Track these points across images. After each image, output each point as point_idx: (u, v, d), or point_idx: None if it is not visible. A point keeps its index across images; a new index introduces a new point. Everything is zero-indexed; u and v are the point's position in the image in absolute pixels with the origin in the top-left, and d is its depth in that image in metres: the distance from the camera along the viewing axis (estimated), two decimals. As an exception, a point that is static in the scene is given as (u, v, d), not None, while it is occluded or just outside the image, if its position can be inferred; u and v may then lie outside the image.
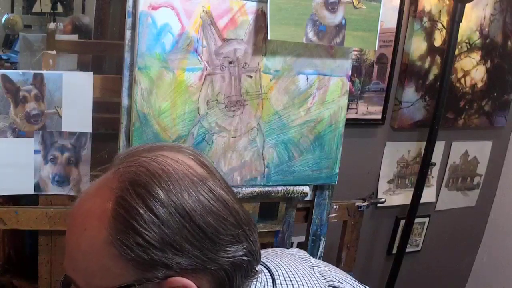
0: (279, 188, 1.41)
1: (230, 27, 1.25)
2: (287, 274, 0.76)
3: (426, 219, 2.15)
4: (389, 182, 2.01)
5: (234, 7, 1.24)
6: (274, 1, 1.23)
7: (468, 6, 1.80)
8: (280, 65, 1.32)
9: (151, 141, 1.22)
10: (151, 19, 1.17)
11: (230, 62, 1.27)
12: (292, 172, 1.41)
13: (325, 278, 0.80)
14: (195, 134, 1.28)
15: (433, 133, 1.88)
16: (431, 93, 1.92)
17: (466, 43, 1.93)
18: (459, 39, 1.84)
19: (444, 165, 2.12)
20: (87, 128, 1.28)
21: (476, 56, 1.98)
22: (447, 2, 1.83)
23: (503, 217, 2.31)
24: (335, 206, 1.61)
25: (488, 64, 2.02)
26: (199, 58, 1.24)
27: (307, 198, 1.49)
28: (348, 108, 1.51)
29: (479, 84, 2.03)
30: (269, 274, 0.75)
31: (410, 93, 1.89)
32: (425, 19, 1.82)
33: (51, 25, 1.43)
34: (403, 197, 2.04)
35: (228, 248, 0.64)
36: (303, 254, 0.87)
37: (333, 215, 1.61)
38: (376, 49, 1.56)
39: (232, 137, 1.33)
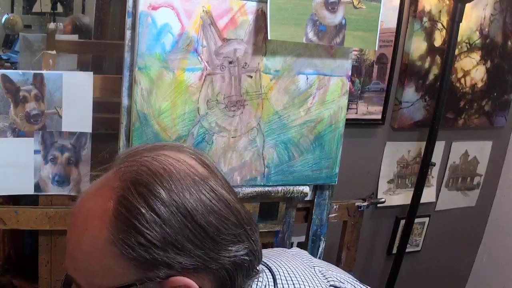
0: (279, 188, 1.41)
1: (230, 27, 1.25)
2: (288, 273, 0.76)
3: (426, 219, 2.15)
4: (389, 182, 2.01)
5: (234, 7, 1.24)
6: (274, 1, 1.23)
7: (468, 6, 1.80)
8: (280, 65, 1.32)
9: (151, 141, 1.22)
10: (151, 19, 1.17)
11: (230, 62, 1.27)
12: (292, 172, 1.41)
13: (326, 278, 0.80)
14: (195, 134, 1.28)
15: (433, 133, 1.88)
16: (431, 93, 1.92)
17: (466, 43, 1.93)
18: (459, 39, 1.84)
19: (444, 165, 2.12)
20: (87, 128, 1.28)
21: (476, 56, 1.98)
22: (447, 2, 1.83)
23: (503, 217, 2.31)
24: (335, 206, 1.61)
25: (488, 64, 2.02)
26: (199, 58, 1.24)
27: (307, 198, 1.49)
28: (348, 108, 1.51)
29: (479, 84, 2.03)
30: (270, 273, 0.75)
31: (410, 93, 1.89)
32: (425, 19, 1.82)
33: (51, 25, 1.43)
34: (403, 197, 2.04)
35: (229, 248, 0.64)
36: (304, 254, 0.87)
37: (333, 215, 1.61)
38: (376, 49, 1.56)
39: (232, 137, 1.33)
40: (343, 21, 1.32)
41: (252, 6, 1.26)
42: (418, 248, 2.20)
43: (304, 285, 0.75)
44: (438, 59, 1.89)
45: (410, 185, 2.04)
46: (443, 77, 1.84)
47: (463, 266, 2.40)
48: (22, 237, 1.47)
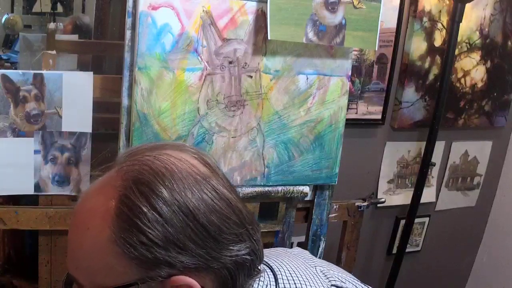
0: (279, 188, 1.41)
1: (230, 27, 1.25)
2: (290, 273, 0.76)
3: (426, 219, 2.15)
4: (389, 182, 2.01)
5: (234, 7, 1.24)
6: (274, 1, 1.23)
7: (468, 6, 1.80)
8: (280, 65, 1.32)
9: (151, 141, 1.22)
10: (151, 19, 1.17)
11: (230, 62, 1.27)
12: (292, 172, 1.41)
13: (328, 278, 0.80)
14: (195, 134, 1.28)
15: (433, 133, 1.88)
16: (431, 93, 1.92)
17: (466, 43, 1.93)
18: (459, 39, 1.84)
19: (444, 165, 2.12)
20: (87, 128, 1.28)
21: (476, 56, 1.98)
22: (447, 2, 1.83)
23: (503, 217, 2.30)
24: (335, 206, 1.61)
25: (488, 64, 2.02)
26: (199, 58, 1.24)
27: (307, 198, 1.49)
28: (348, 108, 1.51)
29: (479, 84, 2.03)
30: (271, 273, 0.75)
31: (410, 93, 1.89)
32: (425, 19, 1.82)
33: (51, 25, 1.43)
34: (403, 197, 2.04)
35: (231, 247, 0.64)
36: (306, 253, 0.87)
37: (333, 215, 1.61)
38: (376, 49, 1.56)
39: (232, 137, 1.33)
40: (343, 21, 1.32)
41: (252, 6, 1.26)
42: (418, 248, 2.20)
43: (306, 284, 0.75)
44: (438, 59, 1.89)
45: (410, 185, 2.04)
46: (443, 77, 1.84)
47: (463, 266, 2.40)
48: (22, 237, 1.48)
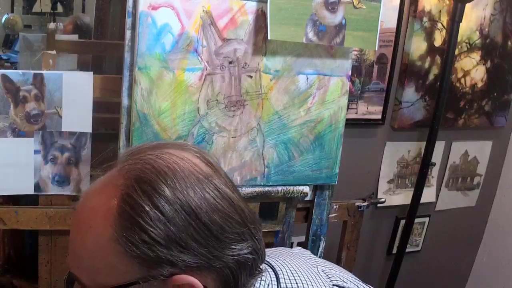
0: (279, 188, 1.41)
1: (230, 27, 1.25)
2: (291, 273, 0.76)
3: (426, 219, 2.15)
4: (389, 182, 2.01)
5: (234, 7, 1.24)
6: (274, 1, 1.23)
7: (468, 6, 1.80)
8: (280, 65, 1.32)
9: (151, 141, 1.22)
10: (151, 19, 1.17)
11: (230, 62, 1.27)
12: (292, 172, 1.41)
13: (329, 278, 0.80)
14: (195, 134, 1.28)
15: (433, 133, 1.88)
16: (431, 93, 1.92)
17: (466, 43, 1.93)
18: (459, 39, 1.84)
19: (444, 165, 2.12)
20: (87, 128, 1.28)
21: (476, 56, 1.98)
22: (447, 2, 1.83)
23: (503, 217, 2.30)
24: (335, 206, 1.61)
25: (488, 64, 2.02)
26: (199, 58, 1.24)
27: (307, 198, 1.49)
28: (348, 108, 1.51)
29: (479, 84, 2.03)
30: (273, 273, 0.75)
31: (410, 93, 1.89)
32: (425, 19, 1.82)
33: (51, 25, 1.43)
34: (403, 197, 2.04)
35: (233, 246, 0.64)
36: (307, 253, 0.87)
37: (333, 215, 1.61)
38: (376, 49, 1.56)
39: (232, 137, 1.33)
40: (343, 21, 1.32)
41: (252, 6, 1.26)
42: (418, 248, 2.20)
43: (307, 284, 0.75)
44: (438, 59, 1.89)
45: (410, 185, 2.04)
46: (443, 77, 1.84)
47: (463, 266, 2.40)
48: (22, 237, 1.48)
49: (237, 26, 1.26)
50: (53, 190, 1.30)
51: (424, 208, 2.08)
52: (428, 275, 2.28)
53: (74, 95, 1.25)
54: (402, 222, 2.05)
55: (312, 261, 0.83)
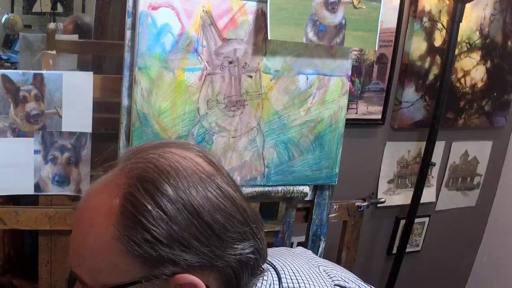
0: (279, 188, 1.41)
1: (230, 27, 1.25)
2: (293, 273, 0.76)
3: (426, 219, 2.15)
4: (389, 182, 2.01)
5: (234, 7, 1.24)
6: (274, 1, 1.23)
7: (468, 6, 1.80)
8: (280, 65, 1.32)
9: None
10: (151, 19, 1.17)
11: (230, 62, 1.27)
12: (292, 172, 1.41)
13: (331, 277, 0.80)
14: (195, 134, 1.28)
15: (433, 133, 1.88)
16: (431, 93, 1.92)
17: (466, 43, 1.93)
18: (459, 39, 1.84)
19: (444, 165, 2.12)
20: (87, 128, 1.28)
21: (476, 56, 1.98)
22: (447, 2, 1.83)
23: (503, 217, 2.31)
24: (335, 206, 1.61)
25: (488, 64, 2.02)
26: (199, 58, 1.24)
27: (307, 198, 1.49)
28: (348, 108, 1.51)
29: (479, 84, 2.03)
30: (275, 272, 0.75)
31: (410, 93, 1.89)
32: (425, 19, 1.82)
33: (51, 25, 1.43)
34: (403, 197, 2.04)
35: (235, 246, 0.64)
36: (309, 253, 0.87)
37: (333, 215, 1.61)
38: (376, 49, 1.56)
39: (232, 137, 1.33)
40: (343, 21, 1.32)
41: (252, 6, 1.26)
42: (418, 248, 2.20)
43: (309, 284, 0.75)
44: (438, 59, 1.89)
45: (410, 185, 2.04)
46: (443, 77, 1.84)
47: (463, 266, 2.40)
48: (22, 237, 1.48)
49: (237, 26, 1.26)
50: (53, 190, 1.30)
51: (424, 208, 2.08)
52: (428, 275, 2.28)
53: (74, 95, 1.25)
54: (402, 222, 2.05)
55: (314, 261, 0.83)
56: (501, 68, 2.06)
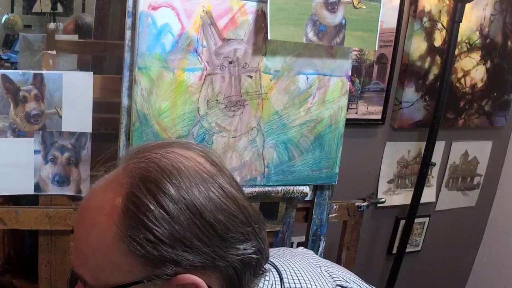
0: (279, 188, 1.41)
1: (230, 27, 1.25)
2: (295, 273, 0.76)
3: (426, 219, 2.15)
4: (389, 182, 2.01)
5: (234, 7, 1.24)
6: (274, 1, 1.23)
7: (468, 6, 1.80)
8: (280, 65, 1.32)
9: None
10: (151, 19, 1.17)
11: (230, 62, 1.27)
12: (292, 172, 1.41)
13: (333, 278, 0.80)
14: (195, 134, 1.28)
15: (433, 133, 1.88)
16: (431, 93, 1.92)
17: (466, 43, 1.93)
18: (459, 39, 1.84)
19: (444, 165, 2.12)
20: (87, 128, 1.28)
21: (476, 56, 1.98)
22: (447, 2, 1.83)
23: (503, 217, 2.30)
24: (335, 206, 1.61)
25: (488, 64, 2.02)
26: (199, 58, 1.24)
27: (307, 198, 1.48)
28: (348, 108, 1.51)
29: (479, 84, 2.03)
30: (276, 272, 0.75)
31: (410, 93, 1.89)
32: (425, 19, 1.82)
33: (51, 25, 1.43)
34: (403, 197, 2.04)
35: (237, 246, 0.64)
36: (310, 253, 0.87)
37: (333, 215, 1.61)
38: (376, 49, 1.56)
39: (232, 137, 1.33)
40: (343, 21, 1.32)
41: (252, 6, 1.26)
42: (418, 248, 2.20)
43: (311, 284, 0.75)
44: (438, 59, 1.89)
45: (410, 185, 2.04)
46: (443, 77, 1.84)
47: (463, 266, 2.40)
48: (22, 237, 1.47)
49: (237, 26, 1.26)
50: (53, 190, 1.30)
51: (424, 208, 2.08)
52: (428, 275, 2.29)
53: (74, 95, 1.25)
54: (402, 222, 2.05)
55: (315, 261, 0.83)
56: (501, 68, 2.06)
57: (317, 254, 1.54)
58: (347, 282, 0.81)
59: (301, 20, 1.27)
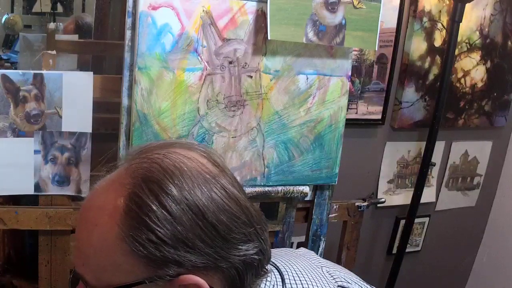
0: (279, 188, 1.41)
1: (230, 27, 1.25)
2: (296, 273, 0.76)
3: (426, 219, 2.15)
4: (389, 182, 2.01)
5: (234, 7, 1.24)
6: (274, 1, 1.23)
7: (468, 6, 1.80)
8: (280, 65, 1.32)
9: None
10: (151, 19, 1.17)
11: (230, 62, 1.27)
12: (292, 172, 1.41)
13: (334, 278, 0.80)
14: (195, 134, 1.28)
15: (433, 133, 1.88)
16: (431, 93, 1.92)
17: (466, 43, 1.93)
18: (459, 39, 1.84)
19: (444, 165, 2.12)
20: (87, 128, 1.28)
21: (476, 56, 1.98)
22: (447, 2, 1.83)
23: (503, 217, 2.31)
24: (335, 206, 1.61)
25: (488, 64, 2.02)
26: (199, 58, 1.24)
27: (307, 198, 1.48)
28: (348, 108, 1.51)
29: (479, 84, 2.03)
30: (278, 273, 0.75)
31: (410, 93, 1.89)
32: (425, 19, 1.82)
33: (51, 25, 1.43)
34: (403, 197, 2.04)
35: (239, 247, 0.64)
36: (311, 254, 0.87)
37: (333, 215, 1.61)
38: (376, 49, 1.55)
39: (232, 137, 1.33)
40: (343, 21, 1.32)
41: (252, 6, 1.26)
42: (418, 248, 2.20)
43: (312, 285, 0.75)
44: (438, 59, 1.89)
45: (410, 185, 2.04)
46: (443, 77, 1.84)
47: (463, 266, 2.40)
48: (22, 237, 1.47)
49: (237, 26, 1.26)
50: (53, 190, 1.30)
51: (424, 208, 2.08)
52: (428, 275, 2.29)
53: (74, 95, 1.25)
54: (402, 222, 2.05)
55: (317, 262, 0.83)
56: (501, 68, 2.06)
57: (317, 254, 1.54)
58: (348, 282, 0.81)
59: (301, 20, 1.27)
